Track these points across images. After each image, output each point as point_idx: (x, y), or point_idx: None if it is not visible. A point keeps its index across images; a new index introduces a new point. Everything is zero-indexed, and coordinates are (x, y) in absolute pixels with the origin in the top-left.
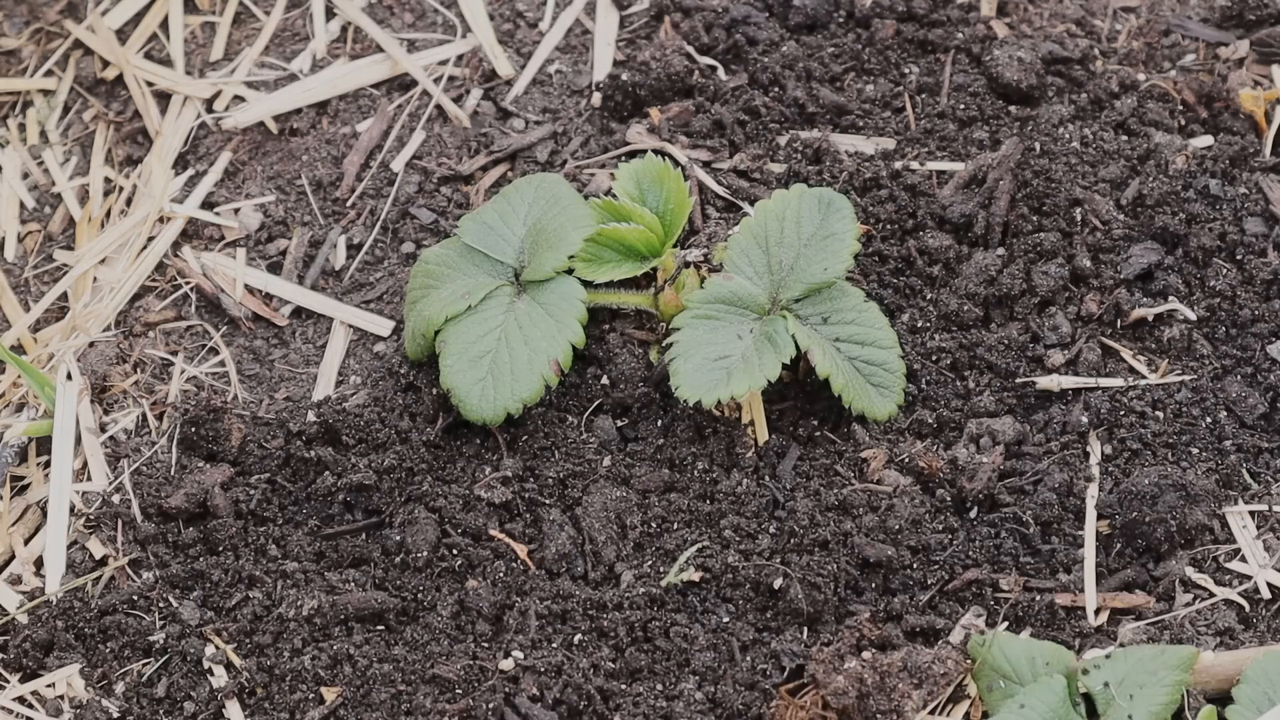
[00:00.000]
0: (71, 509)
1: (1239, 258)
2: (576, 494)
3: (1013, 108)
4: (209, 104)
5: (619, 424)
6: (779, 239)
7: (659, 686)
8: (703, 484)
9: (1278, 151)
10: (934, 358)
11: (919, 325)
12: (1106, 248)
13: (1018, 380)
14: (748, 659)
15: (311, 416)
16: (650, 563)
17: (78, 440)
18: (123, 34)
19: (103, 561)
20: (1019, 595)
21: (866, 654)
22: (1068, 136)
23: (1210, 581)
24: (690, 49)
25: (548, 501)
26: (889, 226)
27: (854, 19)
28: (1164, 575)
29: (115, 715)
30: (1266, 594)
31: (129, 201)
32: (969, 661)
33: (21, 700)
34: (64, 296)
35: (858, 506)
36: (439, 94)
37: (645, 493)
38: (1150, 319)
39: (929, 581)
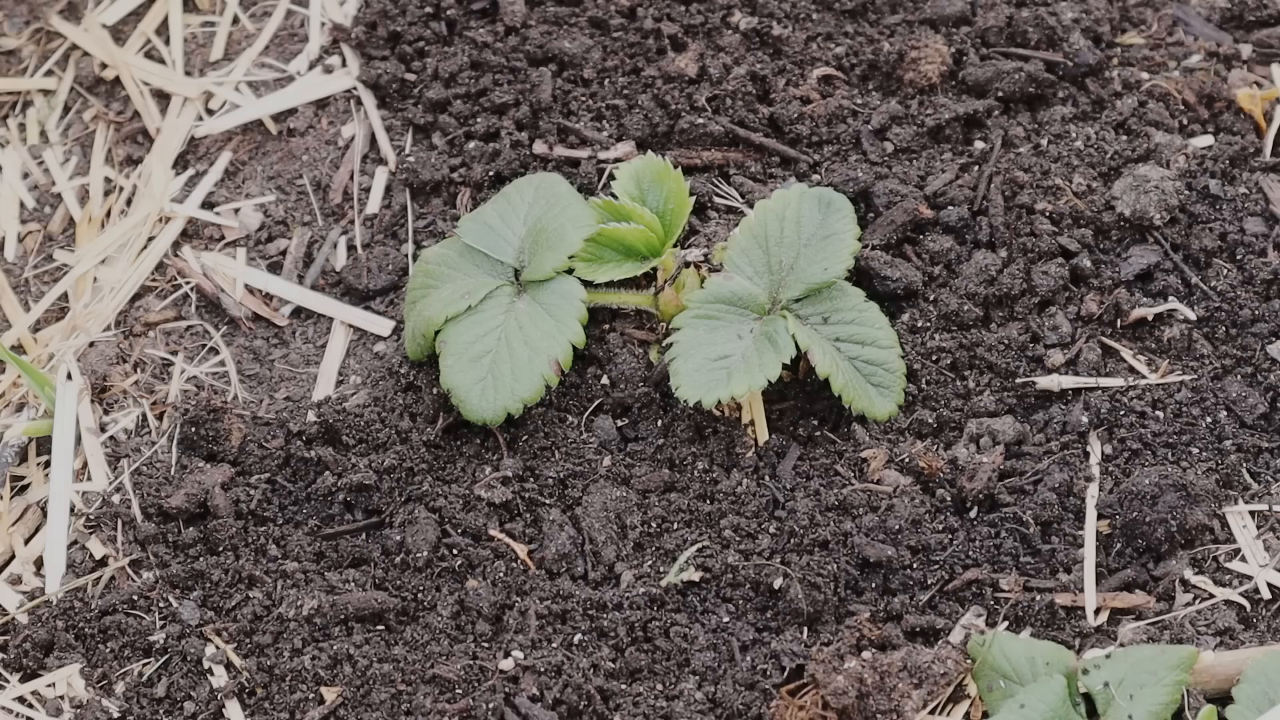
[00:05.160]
0: (71, 509)
1: (1239, 258)
2: (576, 494)
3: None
4: (207, 104)
5: (619, 424)
6: (779, 239)
7: (659, 686)
8: (703, 484)
9: (1278, 151)
10: (934, 357)
11: (919, 325)
12: (1106, 248)
13: (1018, 380)
14: (748, 659)
15: (311, 416)
16: (650, 563)
17: (78, 440)
18: (123, 33)
19: (103, 561)
20: (1019, 595)
21: (866, 654)
22: (1070, 136)
23: (1210, 582)
24: None
25: (548, 501)
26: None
27: None
28: (1164, 575)
29: (115, 715)
30: (1266, 594)
31: (129, 201)
32: (969, 661)
33: (21, 700)
34: (64, 296)
35: (858, 506)
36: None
37: (645, 493)
38: (1150, 319)
39: (929, 581)
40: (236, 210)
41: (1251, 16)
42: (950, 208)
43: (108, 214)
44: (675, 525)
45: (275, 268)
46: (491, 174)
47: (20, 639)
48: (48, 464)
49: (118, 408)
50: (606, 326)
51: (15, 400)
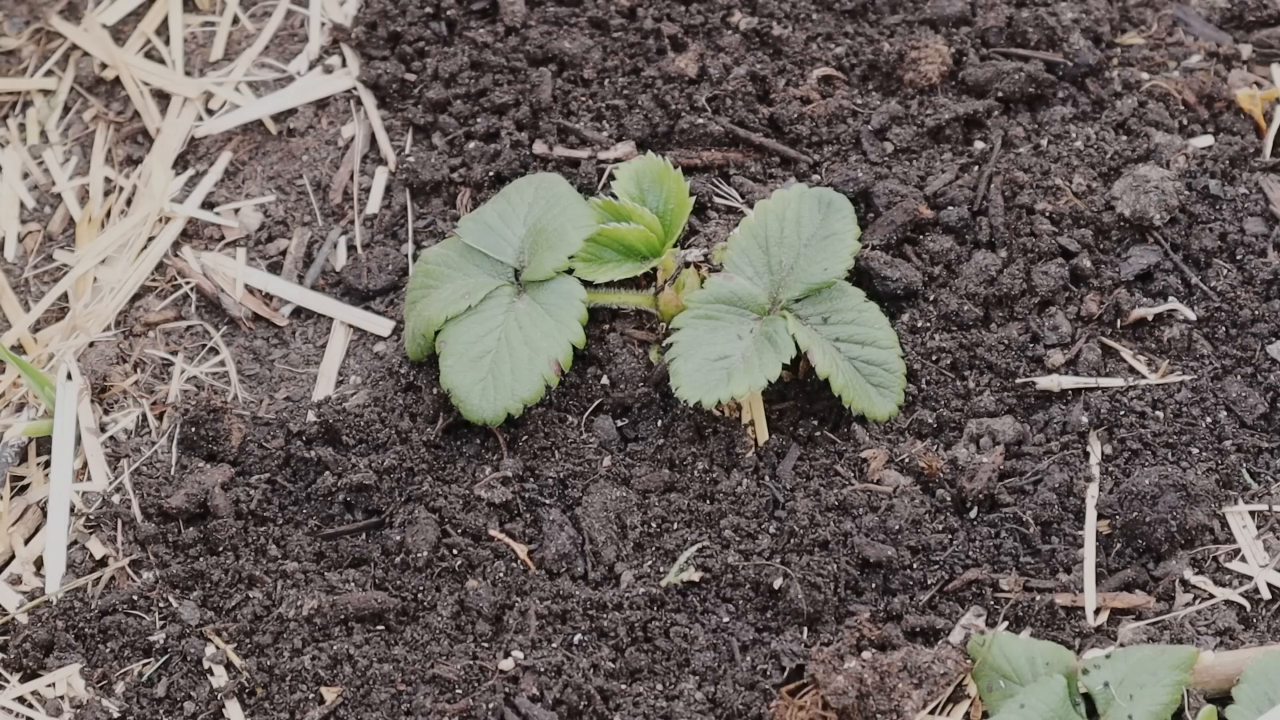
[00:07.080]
0: (71, 509)
1: (1239, 258)
2: (576, 494)
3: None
4: (207, 104)
5: (619, 424)
6: (779, 239)
7: (659, 686)
8: (703, 484)
9: (1278, 151)
10: (934, 358)
11: (919, 325)
12: (1106, 248)
13: (1018, 380)
14: (748, 659)
15: (311, 416)
16: (650, 563)
17: (78, 440)
18: (123, 33)
19: (103, 561)
20: (1019, 595)
21: (866, 654)
22: (1070, 136)
23: (1210, 582)
24: None
25: (548, 501)
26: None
27: None
28: (1164, 575)
29: (115, 715)
30: (1266, 594)
31: (129, 201)
32: (969, 661)
33: (21, 700)
34: (64, 296)
35: (858, 506)
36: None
37: (645, 493)
38: (1150, 319)
39: (929, 581)
40: (236, 210)
41: (1251, 16)
42: (950, 208)
43: (108, 214)
44: (675, 525)
45: (275, 268)
46: (491, 174)
47: (20, 639)
48: (48, 464)
49: (118, 408)
50: (606, 326)
51: (15, 400)
